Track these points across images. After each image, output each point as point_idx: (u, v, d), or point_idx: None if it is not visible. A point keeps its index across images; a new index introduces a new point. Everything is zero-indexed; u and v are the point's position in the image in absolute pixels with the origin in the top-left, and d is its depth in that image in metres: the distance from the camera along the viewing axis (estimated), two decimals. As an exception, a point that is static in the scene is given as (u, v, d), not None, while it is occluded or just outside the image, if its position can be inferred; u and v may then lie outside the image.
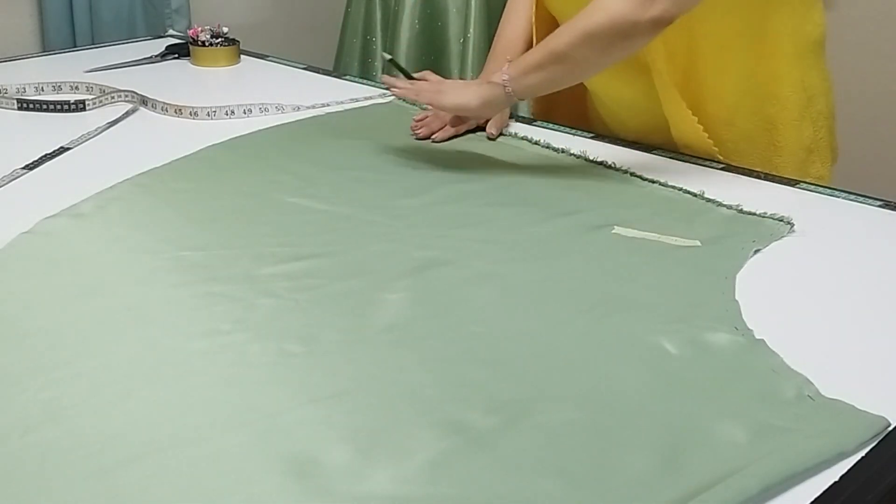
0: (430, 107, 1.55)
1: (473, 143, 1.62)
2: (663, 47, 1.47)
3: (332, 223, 1.31)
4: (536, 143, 1.60)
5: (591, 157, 1.52)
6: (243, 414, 0.90)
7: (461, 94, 1.49)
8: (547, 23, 1.63)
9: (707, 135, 1.51)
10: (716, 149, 1.53)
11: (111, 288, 1.14)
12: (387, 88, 1.89)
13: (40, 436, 0.86)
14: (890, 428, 0.89)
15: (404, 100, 1.68)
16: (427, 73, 1.56)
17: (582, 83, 1.67)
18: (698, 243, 1.24)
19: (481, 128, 1.65)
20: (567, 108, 1.77)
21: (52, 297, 1.11)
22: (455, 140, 1.63)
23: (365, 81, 2.04)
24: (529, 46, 1.62)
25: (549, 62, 1.41)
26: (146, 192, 1.41)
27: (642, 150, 1.56)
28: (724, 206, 1.35)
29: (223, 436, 0.87)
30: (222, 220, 1.32)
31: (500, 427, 0.88)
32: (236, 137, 1.63)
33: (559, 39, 1.41)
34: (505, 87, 1.44)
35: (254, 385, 0.95)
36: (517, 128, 1.67)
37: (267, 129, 1.67)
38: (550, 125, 1.70)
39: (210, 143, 1.58)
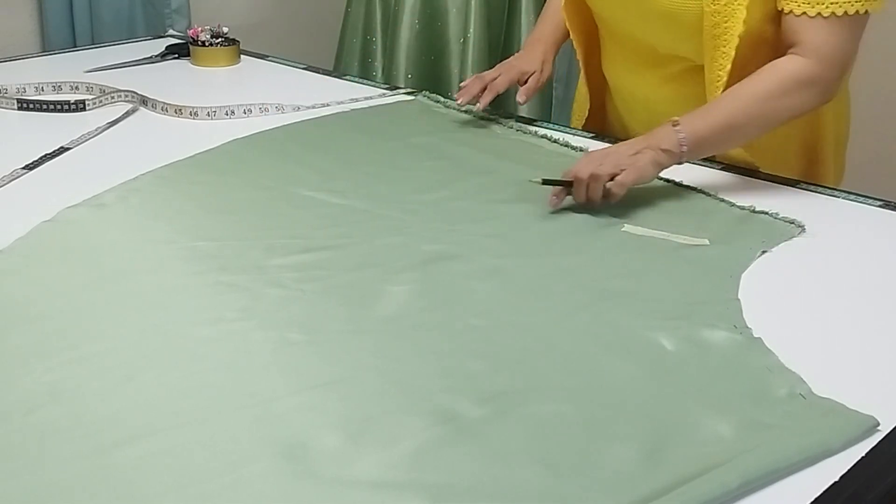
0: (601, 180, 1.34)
1: (492, 141, 1.63)
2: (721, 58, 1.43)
3: (345, 217, 1.33)
4: (555, 141, 1.61)
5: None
6: (240, 399, 0.92)
7: (650, 169, 1.35)
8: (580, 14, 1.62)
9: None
10: (752, 160, 1.50)
11: (123, 275, 1.16)
12: (388, 88, 1.92)
13: (41, 416, 0.89)
14: (889, 429, 0.89)
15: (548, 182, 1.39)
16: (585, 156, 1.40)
17: (606, 83, 1.67)
18: (707, 242, 1.25)
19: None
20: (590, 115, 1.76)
21: (64, 283, 1.14)
22: (475, 137, 1.64)
23: (365, 81, 2.05)
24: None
25: (727, 132, 1.37)
26: (167, 183, 1.44)
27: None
28: (737, 206, 1.35)
29: (218, 419, 0.89)
30: (239, 212, 1.35)
31: (489, 417, 0.89)
32: (258, 133, 1.65)
33: (742, 108, 1.36)
34: (681, 158, 1.36)
35: (253, 371, 0.97)
36: (536, 126, 1.68)
37: (289, 124, 1.69)
38: (551, 125, 1.70)
39: (210, 144, 1.59)
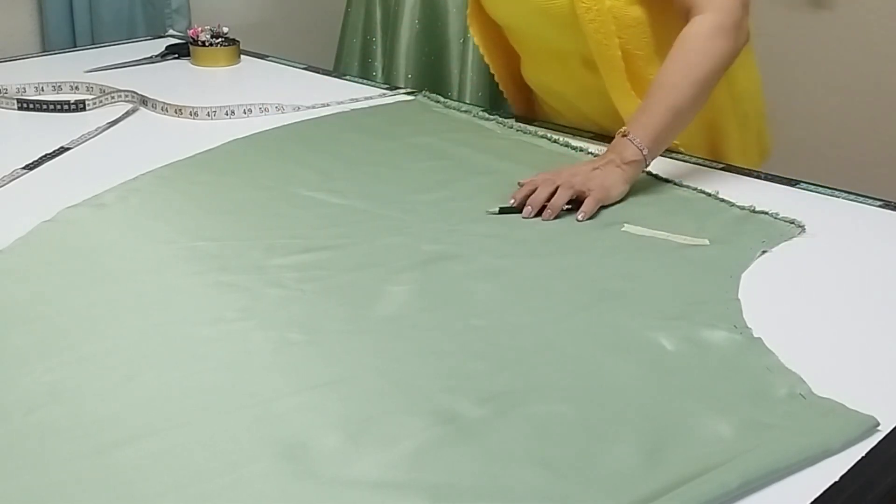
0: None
1: (492, 141, 1.63)
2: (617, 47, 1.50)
3: (345, 217, 1.33)
4: (555, 141, 1.61)
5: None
6: (240, 399, 0.92)
7: (620, 185, 1.36)
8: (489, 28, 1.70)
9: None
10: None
11: (124, 275, 1.17)
12: (388, 88, 1.92)
13: (42, 415, 0.89)
14: (889, 429, 0.89)
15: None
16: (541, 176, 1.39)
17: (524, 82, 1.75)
18: (707, 242, 1.25)
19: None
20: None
21: (65, 283, 1.14)
22: (475, 137, 1.64)
23: (365, 81, 2.06)
24: None
25: (676, 119, 1.40)
26: (167, 183, 1.44)
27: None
28: (737, 206, 1.35)
29: (218, 419, 0.89)
30: (239, 212, 1.35)
31: (488, 418, 0.89)
32: (258, 133, 1.65)
33: (680, 93, 1.38)
34: (646, 161, 1.39)
35: (253, 371, 0.97)
36: (536, 126, 1.68)
37: (289, 124, 1.70)
38: (551, 125, 1.70)
39: (210, 144, 1.59)
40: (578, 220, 1.31)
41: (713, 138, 1.63)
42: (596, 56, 1.51)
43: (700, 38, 1.40)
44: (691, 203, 1.38)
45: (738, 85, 1.61)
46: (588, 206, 1.32)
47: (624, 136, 1.39)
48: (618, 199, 1.36)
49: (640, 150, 1.37)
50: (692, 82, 1.39)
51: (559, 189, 1.33)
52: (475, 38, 1.74)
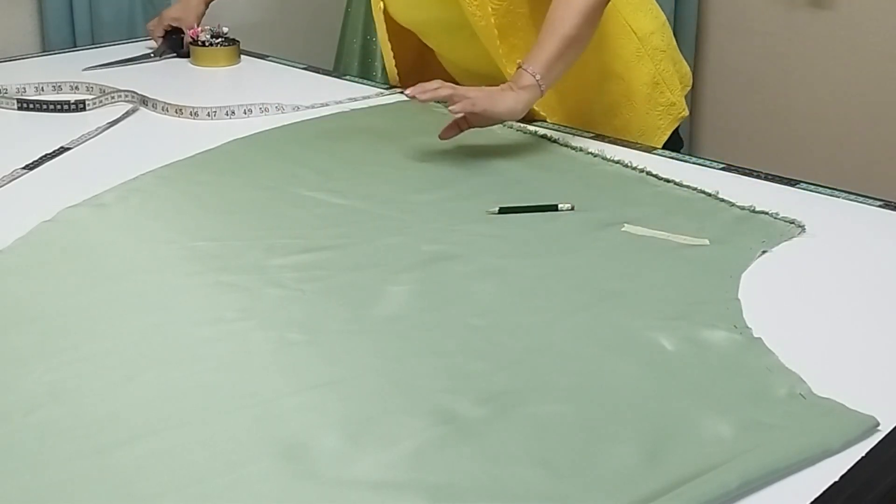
0: (470, 113, 1.51)
1: (491, 140, 1.63)
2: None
3: (345, 217, 1.33)
4: (555, 141, 1.61)
5: (607, 157, 1.53)
6: (240, 399, 0.92)
7: (509, 102, 1.51)
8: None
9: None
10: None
11: (124, 275, 1.17)
12: (388, 88, 1.91)
13: (42, 416, 0.89)
14: (889, 429, 0.89)
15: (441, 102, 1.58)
16: (449, 86, 1.52)
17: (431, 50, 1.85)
18: (707, 242, 1.25)
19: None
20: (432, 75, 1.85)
21: (65, 283, 1.14)
22: (475, 136, 1.64)
23: (365, 81, 2.05)
24: None
25: (566, 48, 1.51)
26: (167, 183, 1.44)
27: (657, 153, 1.57)
28: (737, 206, 1.35)
29: (218, 420, 0.89)
30: (239, 212, 1.35)
31: (488, 418, 0.89)
32: (258, 133, 1.65)
33: (566, 24, 1.50)
34: (540, 86, 1.51)
35: (253, 371, 0.97)
36: (536, 126, 1.68)
37: (289, 125, 1.69)
38: (551, 125, 1.70)
39: (210, 144, 1.59)
40: (431, 103, 1.53)
41: (612, 81, 1.75)
42: (473, 23, 1.63)
43: None
44: (691, 203, 1.38)
45: (640, 25, 1.75)
46: (463, 104, 1.46)
47: (519, 66, 1.52)
48: (506, 118, 1.53)
49: (534, 76, 1.50)
50: (576, 13, 1.51)
51: (452, 92, 1.48)
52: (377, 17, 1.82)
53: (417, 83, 1.51)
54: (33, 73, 1.98)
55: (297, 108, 1.77)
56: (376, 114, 1.78)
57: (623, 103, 1.76)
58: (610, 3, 1.57)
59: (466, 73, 1.81)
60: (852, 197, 1.39)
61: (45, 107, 1.77)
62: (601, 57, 1.71)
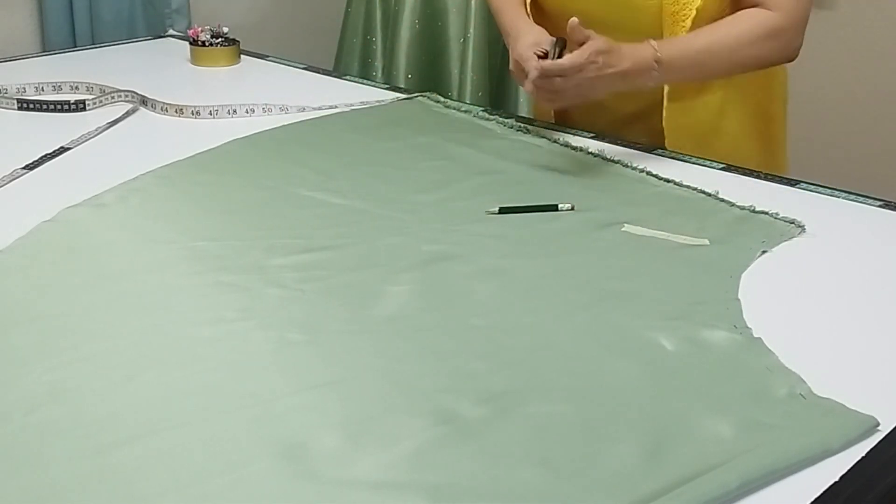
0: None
1: (492, 141, 1.63)
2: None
3: (345, 217, 1.33)
4: (555, 141, 1.61)
5: (607, 157, 1.53)
6: (240, 399, 0.92)
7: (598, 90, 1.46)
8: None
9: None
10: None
11: (124, 275, 1.17)
12: (388, 88, 1.91)
13: (42, 415, 0.89)
14: (889, 429, 0.89)
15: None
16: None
17: None
18: (707, 242, 1.25)
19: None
20: None
21: (65, 283, 1.14)
22: (475, 137, 1.64)
23: (365, 81, 2.05)
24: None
25: (699, 67, 1.47)
26: (167, 183, 1.44)
27: (658, 153, 1.57)
28: (737, 206, 1.35)
29: (218, 419, 0.89)
30: (239, 212, 1.35)
31: (488, 418, 0.89)
32: (258, 133, 1.65)
33: (715, 61, 1.47)
34: (651, 74, 1.45)
35: (253, 371, 0.97)
36: (536, 126, 1.68)
37: (289, 124, 1.69)
38: (551, 125, 1.70)
39: (210, 144, 1.59)
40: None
41: (765, 146, 1.67)
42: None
43: (758, 29, 1.47)
44: (691, 203, 1.38)
45: (783, 89, 1.68)
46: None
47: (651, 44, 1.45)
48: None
49: (654, 55, 1.43)
50: (730, 52, 1.47)
51: (555, 92, 1.43)
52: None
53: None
54: (33, 73, 1.97)
55: (303, 108, 1.77)
56: (376, 114, 1.78)
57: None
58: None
59: None
60: (852, 197, 1.40)
61: (45, 107, 1.77)
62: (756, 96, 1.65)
